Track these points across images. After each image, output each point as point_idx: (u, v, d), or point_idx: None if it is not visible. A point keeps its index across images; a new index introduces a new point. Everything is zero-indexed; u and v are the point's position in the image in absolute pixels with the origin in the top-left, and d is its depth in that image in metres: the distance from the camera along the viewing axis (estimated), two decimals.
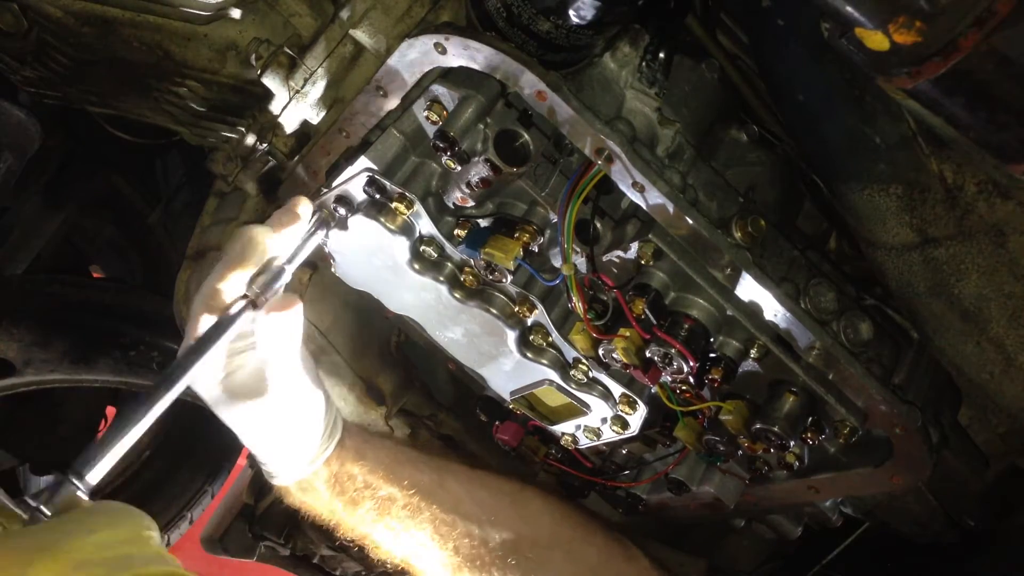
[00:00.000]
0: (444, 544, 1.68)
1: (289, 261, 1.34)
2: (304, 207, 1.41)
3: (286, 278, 1.33)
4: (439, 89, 1.39)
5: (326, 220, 1.44)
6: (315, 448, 1.54)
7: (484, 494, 1.77)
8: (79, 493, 1.07)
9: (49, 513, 1.02)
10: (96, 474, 1.11)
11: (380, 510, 1.64)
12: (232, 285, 1.29)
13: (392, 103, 1.44)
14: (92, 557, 0.94)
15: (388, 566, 1.73)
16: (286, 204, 1.43)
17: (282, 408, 1.42)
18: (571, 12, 1.28)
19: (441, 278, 1.54)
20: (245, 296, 1.28)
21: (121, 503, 1.08)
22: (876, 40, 1.00)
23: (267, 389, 1.38)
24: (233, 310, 1.27)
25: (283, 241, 1.36)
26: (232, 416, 1.41)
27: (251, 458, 2.78)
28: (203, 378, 1.35)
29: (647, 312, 1.42)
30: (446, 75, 1.39)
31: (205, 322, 1.27)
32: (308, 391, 1.47)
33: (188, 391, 1.27)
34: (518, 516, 1.78)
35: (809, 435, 1.53)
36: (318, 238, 1.42)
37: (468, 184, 1.44)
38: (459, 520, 1.69)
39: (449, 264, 1.55)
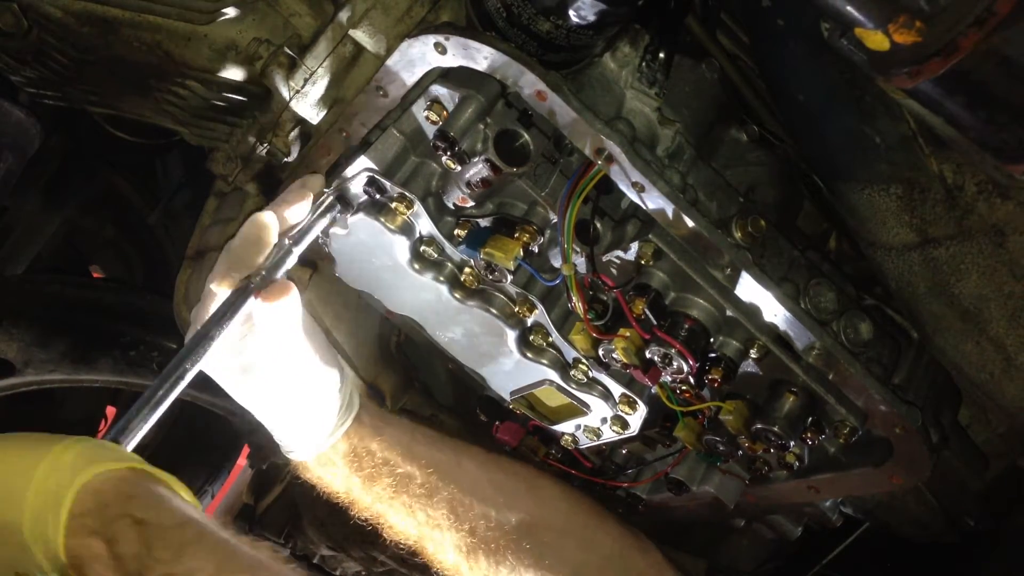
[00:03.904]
0: (460, 525, 1.68)
1: (296, 243, 1.37)
2: (314, 182, 1.45)
3: (292, 260, 1.36)
4: (439, 89, 1.39)
5: (332, 204, 1.45)
6: (332, 422, 1.56)
7: (501, 477, 1.76)
8: None
9: None
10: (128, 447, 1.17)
11: (398, 487, 1.65)
12: (240, 269, 1.33)
13: (392, 103, 1.44)
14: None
15: (401, 547, 1.73)
16: (296, 181, 1.46)
17: (292, 386, 1.47)
18: (571, 12, 1.28)
19: (441, 278, 1.54)
20: (249, 278, 1.31)
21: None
22: (876, 40, 1.00)
23: (273, 369, 1.43)
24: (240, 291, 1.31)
25: (290, 220, 1.39)
26: (245, 395, 1.46)
27: (251, 457, 2.81)
28: (214, 361, 1.37)
29: (647, 312, 1.43)
30: (446, 75, 1.39)
31: (217, 301, 1.31)
32: (317, 367, 1.49)
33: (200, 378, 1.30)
34: (534, 501, 1.77)
35: (809, 435, 1.53)
36: (325, 221, 1.43)
37: (468, 184, 1.43)
38: (476, 502, 1.69)
39: (449, 264, 1.55)
